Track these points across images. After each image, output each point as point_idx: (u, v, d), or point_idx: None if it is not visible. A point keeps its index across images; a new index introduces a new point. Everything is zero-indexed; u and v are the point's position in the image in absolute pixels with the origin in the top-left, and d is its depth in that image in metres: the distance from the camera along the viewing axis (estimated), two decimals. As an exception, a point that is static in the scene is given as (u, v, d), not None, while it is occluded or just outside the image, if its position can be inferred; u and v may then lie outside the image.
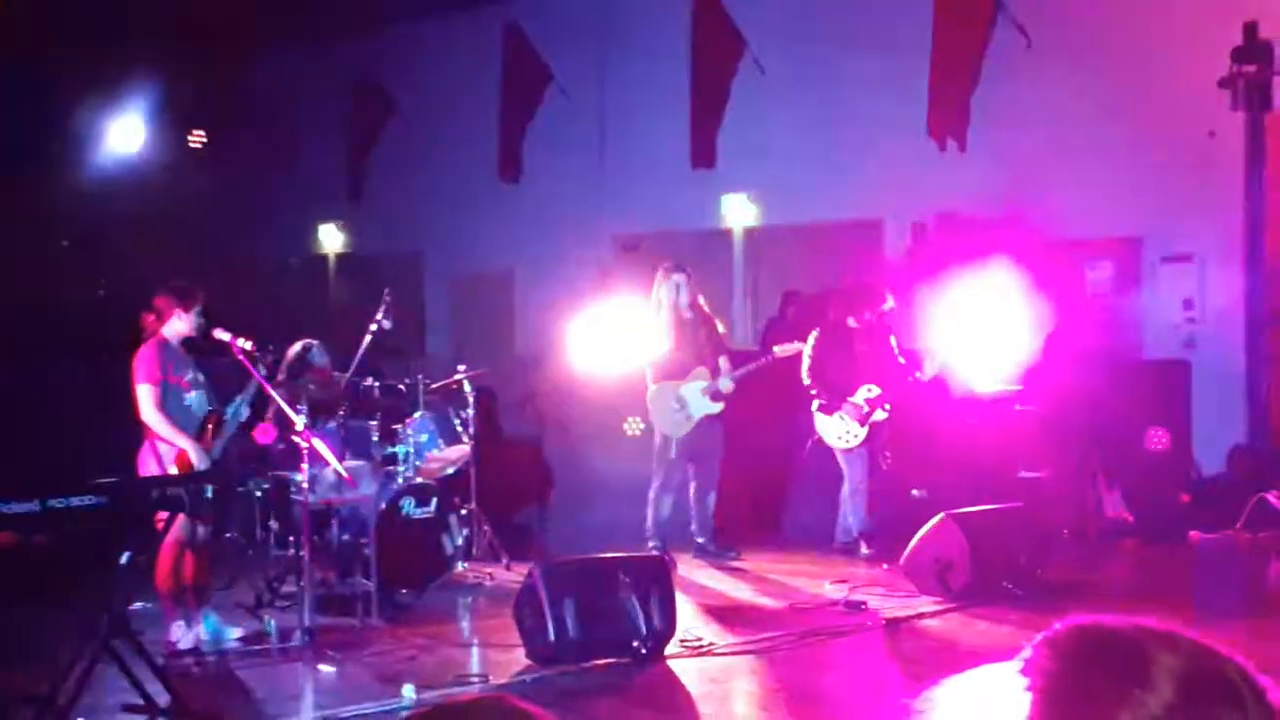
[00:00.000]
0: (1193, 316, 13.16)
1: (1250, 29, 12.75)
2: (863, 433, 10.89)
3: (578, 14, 17.53)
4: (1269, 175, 12.82)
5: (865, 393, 10.87)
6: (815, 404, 11.06)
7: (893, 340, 11.06)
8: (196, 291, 8.41)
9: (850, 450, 10.96)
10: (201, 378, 8.41)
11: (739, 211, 16.35)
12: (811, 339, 11.04)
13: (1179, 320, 13.24)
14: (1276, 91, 12.83)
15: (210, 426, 8.35)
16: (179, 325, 8.33)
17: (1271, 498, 11.66)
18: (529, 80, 18.02)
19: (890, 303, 11.07)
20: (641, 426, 11.47)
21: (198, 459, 8.04)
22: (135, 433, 8.24)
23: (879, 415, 10.92)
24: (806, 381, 11.00)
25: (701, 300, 11.06)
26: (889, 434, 11.15)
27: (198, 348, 8.54)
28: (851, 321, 11.00)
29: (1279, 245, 12.42)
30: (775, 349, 11.08)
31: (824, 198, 15.53)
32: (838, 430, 10.96)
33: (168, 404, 8.15)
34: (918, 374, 10.87)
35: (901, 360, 10.97)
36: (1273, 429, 12.79)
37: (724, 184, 16.31)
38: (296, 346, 10.15)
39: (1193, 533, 11.81)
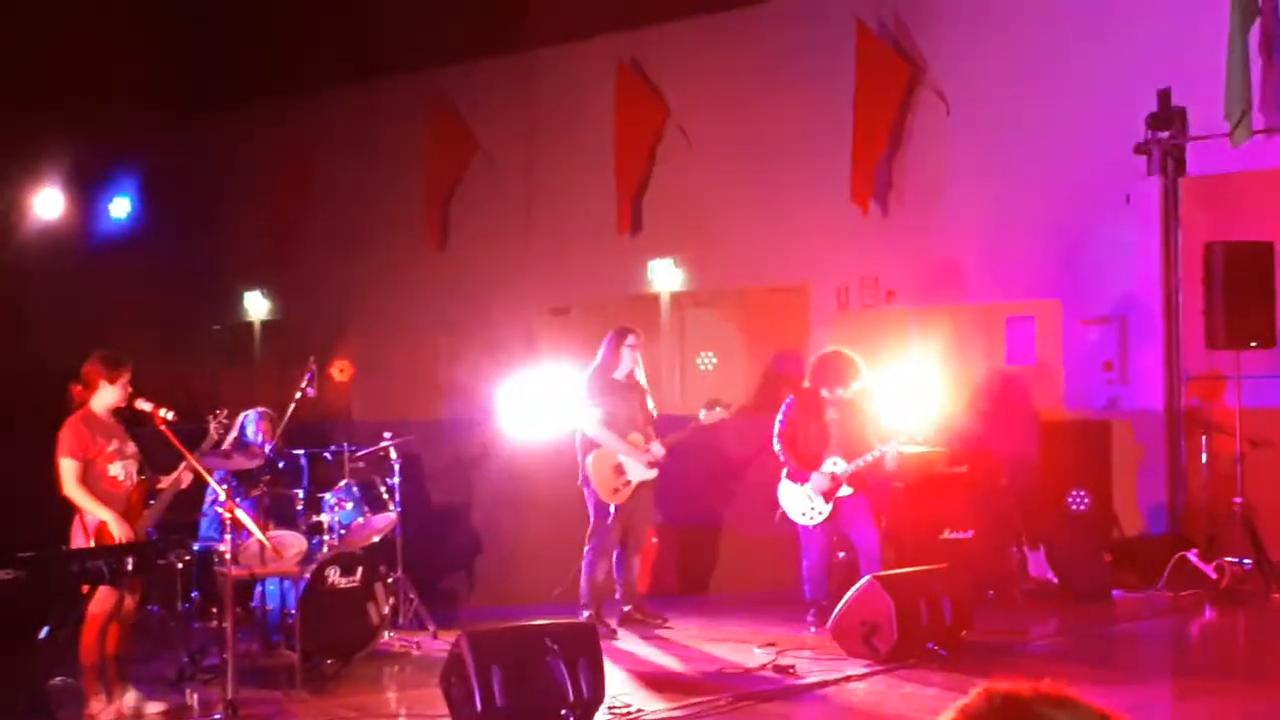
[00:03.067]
0: (1113, 377, 13.34)
1: (1164, 96, 13.04)
2: (827, 509, 10.52)
3: (504, 82, 17.63)
4: (1184, 238, 13.07)
5: (831, 465, 10.50)
6: (784, 472, 10.68)
7: (864, 415, 10.70)
8: (125, 362, 8.38)
9: (811, 527, 10.65)
10: (131, 447, 8.36)
11: (666, 276, 16.43)
12: (785, 405, 10.81)
13: (1099, 381, 13.40)
14: (1191, 156, 13.10)
15: (141, 496, 8.29)
16: (106, 396, 8.28)
17: (1192, 556, 11.82)
18: (456, 147, 18.08)
19: (864, 379, 10.70)
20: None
21: (118, 531, 7.98)
22: (63, 506, 8.17)
23: (844, 491, 10.51)
24: (777, 448, 10.66)
25: (642, 372, 11.08)
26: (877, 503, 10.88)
27: (127, 418, 8.49)
28: (825, 392, 10.70)
29: (1195, 306, 12.63)
30: (701, 415, 11.06)
31: (749, 262, 15.66)
32: (802, 506, 10.61)
33: (89, 477, 8.10)
34: (884, 451, 10.50)
35: (872, 439, 10.57)
36: (1192, 488, 12.96)
37: (650, 249, 16.41)
38: (246, 414, 10.19)
39: (1115, 592, 11.97)
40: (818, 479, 10.51)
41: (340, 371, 9.71)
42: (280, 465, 10.30)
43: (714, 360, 10.97)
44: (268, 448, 10.18)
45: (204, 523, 9.97)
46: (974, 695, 1.88)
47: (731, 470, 12.69)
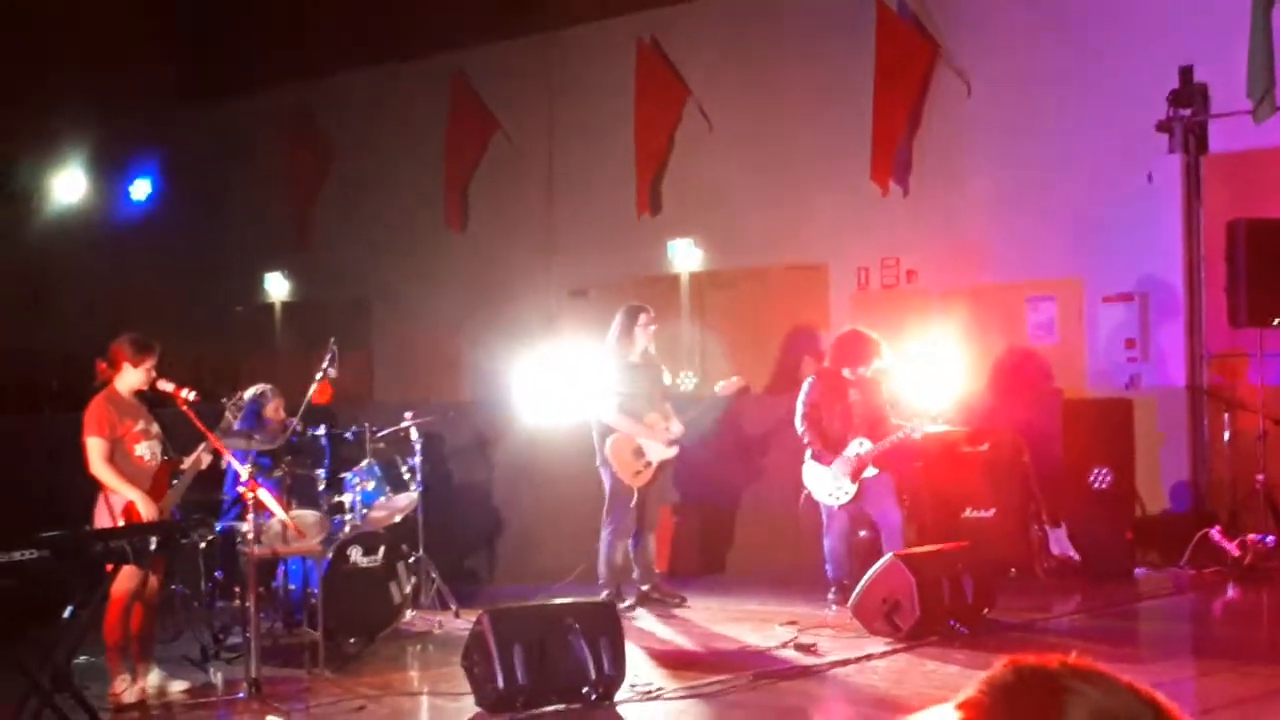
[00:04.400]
0: (1134, 355, 13.29)
1: (1186, 73, 12.97)
2: (853, 489, 10.50)
3: (524, 63, 17.61)
4: (1206, 215, 13.01)
5: (856, 446, 10.49)
6: (808, 453, 10.66)
7: (885, 394, 10.75)
8: (152, 347, 8.41)
9: (837, 506, 10.64)
10: (155, 428, 8.40)
11: (685, 257, 16.41)
12: (806, 385, 10.79)
13: (1121, 359, 13.36)
14: (1213, 133, 13.03)
15: (166, 477, 8.32)
16: (130, 378, 8.32)
17: (1215, 533, 11.79)
18: (475, 128, 18.07)
19: (885, 358, 10.72)
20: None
21: (146, 510, 8.02)
22: (86, 485, 8.20)
23: (870, 471, 10.50)
24: (801, 429, 10.64)
25: (653, 347, 11.05)
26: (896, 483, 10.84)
27: (150, 399, 8.53)
28: (847, 372, 10.69)
29: (1217, 284, 12.58)
30: (717, 387, 11.06)
31: (769, 242, 15.63)
32: (829, 486, 10.58)
33: (116, 456, 8.13)
34: (909, 430, 10.47)
35: (893, 418, 10.59)
36: (1214, 466, 12.92)
37: (670, 230, 16.38)
38: (251, 391, 10.18)
39: (1138, 569, 11.94)
40: (843, 461, 10.49)
41: (320, 394, 9.62)
42: (307, 431, 10.29)
43: (694, 380, 10.98)
44: (290, 424, 10.20)
45: (227, 504, 9.99)
46: (999, 667, 1.89)
47: (752, 449, 12.68)
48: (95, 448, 8.12)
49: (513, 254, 17.49)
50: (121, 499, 8.06)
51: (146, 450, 8.27)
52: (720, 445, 12.41)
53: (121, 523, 7.93)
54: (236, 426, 9.29)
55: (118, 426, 8.17)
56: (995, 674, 1.88)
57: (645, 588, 11.00)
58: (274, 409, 10.33)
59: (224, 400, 9.04)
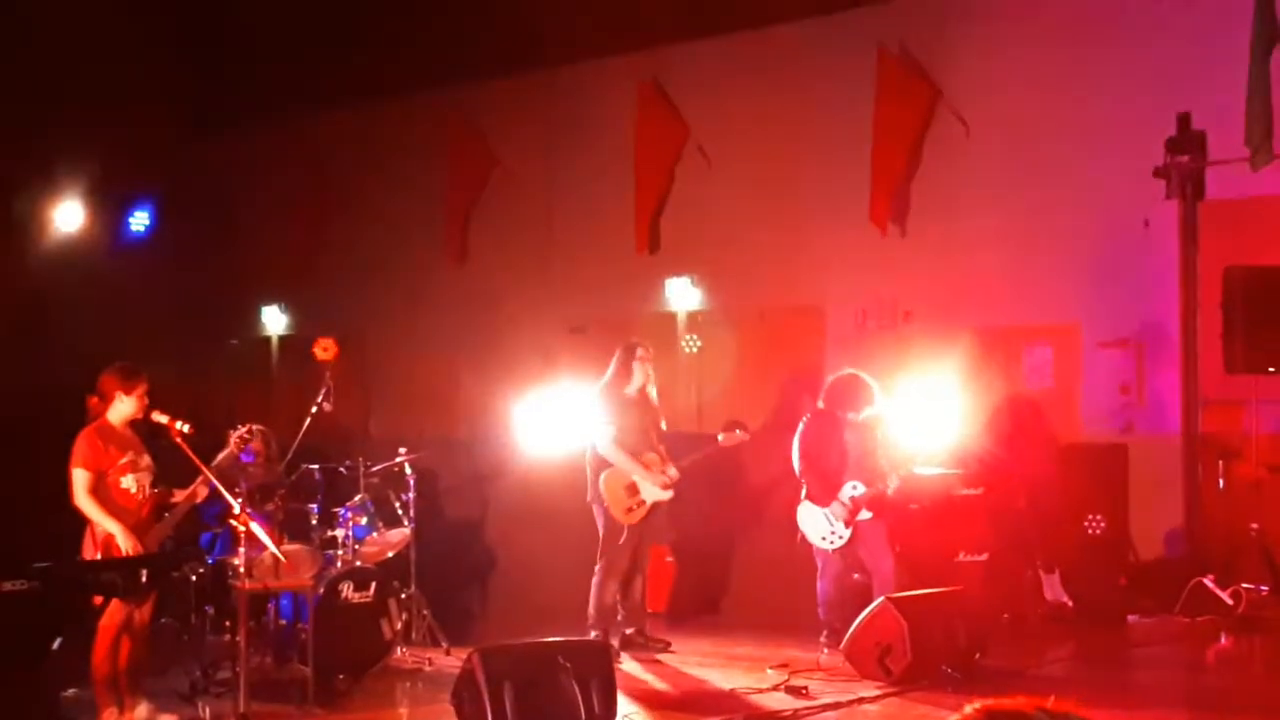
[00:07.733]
0: (1130, 401, 13.29)
1: (1183, 120, 13.00)
2: (848, 534, 10.46)
3: (524, 99, 17.67)
4: (1202, 262, 13.02)
5: (850, 489, 10.46)
6: (804, 494, 10.61)
7: (878, 438, 10.70)
8: (140, 373, 8.42)
9: (831, 551, 10.60)
10: (146, 459, 8.37)
11: (683, 295, 16.44)
12: (802, 425, 10.75)
13: (1117, 405, 13.36)
14: (1210, 180, 13.06)
15: (154, 509, 8.29)
16: (123, 408, 8.32)
17: (1209, 581, 11.76)
18: (475, 164, 18.11)
19: (876, 404, 10.66)
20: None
21: (125, 544, 7.97)
22: (77, 518, 8.19)
23: (864, 515, 10.46)
24: (798, 469, 10.60)
25: (653, 388, 10.99)
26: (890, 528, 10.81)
27: (145, 431, 8.52)
28: (839, 415, 10.66)
29: (1213, 331, 12.58)
30: (720, 437, 11.01)
31: (767, 282, 15.65)
32: (823, 530, 10.53)
33: (100, 489, 8.11)
34: (882, 488, 10.44)
35: (882, 464, 10.57)
36: (1209, 513, 12.89)
37: (669, 268, 16.41)
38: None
39: (1131, 616, 11.91)
40: (838, 506, 10.46)
41: (324, 350, 9.42)
42: (300, 466, 10.28)
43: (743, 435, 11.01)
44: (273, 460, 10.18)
45: (206, 537, 9.96)
46: (970, 710, 1.85)
47: (747, 491, 12.66)
48: (80, 479, 8.11)
49: (511, 290, 17.50)
50: (103, 531, 8.04)
51: (133, 483, 8.24)
52: (715, 486, 12.38)
53: (100, 555, 7.91)
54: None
55: (104, 459, 8.15)
56: (966, 718, 1.85)
57: (629, 631, 10.87)
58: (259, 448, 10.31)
59: (229, 432, 8.94)
